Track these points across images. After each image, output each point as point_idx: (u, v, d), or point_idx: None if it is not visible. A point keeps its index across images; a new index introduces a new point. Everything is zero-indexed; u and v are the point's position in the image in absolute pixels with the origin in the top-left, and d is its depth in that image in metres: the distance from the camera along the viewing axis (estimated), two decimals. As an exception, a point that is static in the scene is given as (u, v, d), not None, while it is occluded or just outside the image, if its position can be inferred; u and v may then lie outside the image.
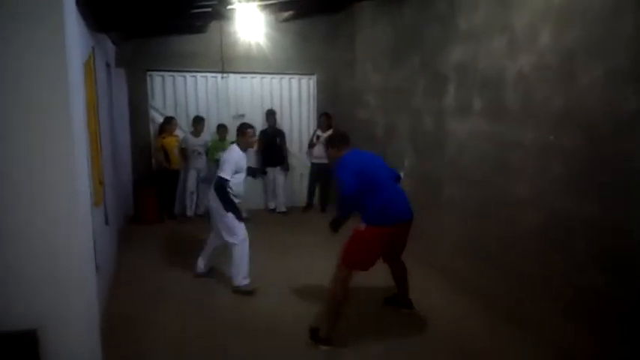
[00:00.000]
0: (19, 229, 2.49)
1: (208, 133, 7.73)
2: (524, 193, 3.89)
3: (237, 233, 4.68)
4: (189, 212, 7.70)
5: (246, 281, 4.74)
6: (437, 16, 5.19)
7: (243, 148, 4.84)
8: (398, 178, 4.18)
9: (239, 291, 4.72)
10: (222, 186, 4.58)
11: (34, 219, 2.51)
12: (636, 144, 2.89)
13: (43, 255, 2.55)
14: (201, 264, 5.12)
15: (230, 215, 4.62)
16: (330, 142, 4.17)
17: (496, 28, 4.19)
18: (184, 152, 7.54)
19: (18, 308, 2.53)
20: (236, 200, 4.72)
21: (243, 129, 4.86)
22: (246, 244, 4.73)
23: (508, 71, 4.05)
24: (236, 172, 4.69)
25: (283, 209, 8.02)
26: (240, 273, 4.72)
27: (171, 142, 7.31)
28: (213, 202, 4.72)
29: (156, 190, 7.45)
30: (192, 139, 7.49)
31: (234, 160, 4.68)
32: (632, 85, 2.91)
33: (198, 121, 7.50)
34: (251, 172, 5.21)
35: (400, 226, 3.85)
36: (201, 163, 7.57)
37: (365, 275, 3.89)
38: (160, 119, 7.66)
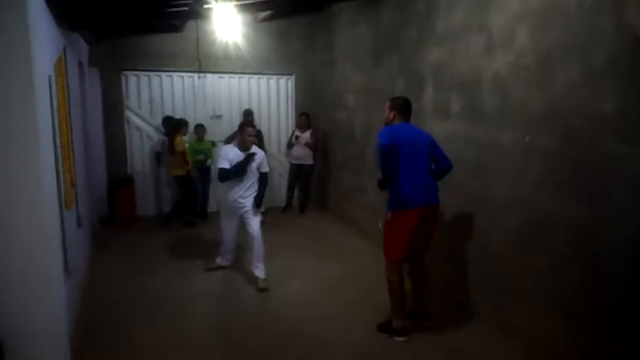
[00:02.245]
0: (-19, 235, 2.40)
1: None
2: (504, 194, 3.89)
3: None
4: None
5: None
6: (414, 16, 5.18)
7: (240, 147, 4.76)
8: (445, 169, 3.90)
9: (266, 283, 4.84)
10: (222, 174, 4.65)
11: (-2, 224, 2.42)
12: (615, 144, 2.91)
13: (9, 261, 2.46)
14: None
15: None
16: (392, 102, 3.90)
17: (473, 29, 4.20)
18: (159, 156, 7.42)
19: (-18, 317, 2.44)
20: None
21: (243, 127, 4.81)
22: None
23: (485, 72, 4.06)
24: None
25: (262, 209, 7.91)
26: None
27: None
28: (243, 199, 4.82)
29: (132, 190, 7.37)
30: (167, 140, 7.31)
31: (226, 154, 4.71)
32: (610, 84, 2.94)
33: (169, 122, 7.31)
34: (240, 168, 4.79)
35: (424, 210, 3.70)
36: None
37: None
38: (134, 119, 7.54)
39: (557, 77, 3.33)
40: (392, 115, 3.86)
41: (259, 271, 4.88)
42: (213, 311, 4.37)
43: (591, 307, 3.12)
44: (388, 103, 3.92)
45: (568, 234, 3.28)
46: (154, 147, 7.55)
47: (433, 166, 3.87)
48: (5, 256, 2.45)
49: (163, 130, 7.34)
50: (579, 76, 3.15)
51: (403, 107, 3.86)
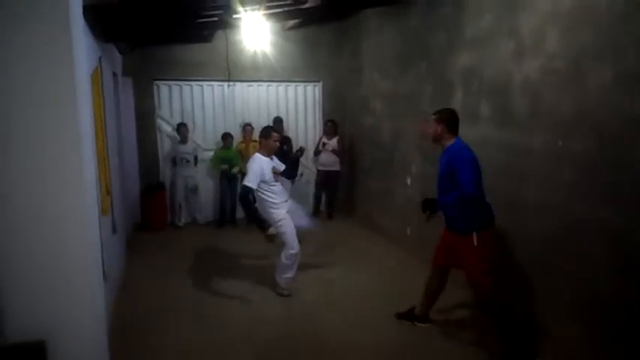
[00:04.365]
0: (27, 241, 2.50)
1: (200, 140, 7.80)
2: (535, 199, 3.85)
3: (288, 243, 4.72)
4: (179, 222, 7.74)
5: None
6: (442, 21, 5.18)
7: (267, 153, 4.78)
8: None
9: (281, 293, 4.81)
10: (243, 194, 4.53)
11: (43, 230, 2.52)
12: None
13: (51, 266, 2.55)
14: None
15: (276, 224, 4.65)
16: (440, 115, 3.69)
17: (502, 33, 4.17)
18: (174, 160, 7.60)
19: (27, 319, 2.53)
20: (281, 210, 4.73)
21: (268, 133, 4.80)
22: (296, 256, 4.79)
23: (515, 76, 4.03)
24: (263, 181, 4.61)
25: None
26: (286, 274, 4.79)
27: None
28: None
29: (164, 197, 7.59)
30: (179, 147, 7.53)
31: (259, 168, 4.61)
32: (643, 87, 2.89)
33: (181, 128, 7.52)
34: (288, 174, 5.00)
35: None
36: (188, 171, 7.58)
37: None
38: (166, 127, 7.73)
39: (589, 80, 3.28)
40: (440, 128, 3.69)
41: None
42: (242, 316, 4.42)
43: (627, 314, 3.05)
44: (435, 117, 3.73)
45: (601, 239, 3.21)
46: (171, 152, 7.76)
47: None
48: (50, 262, 2.54)
49: (178, 137, 7.53)
50: (611, 79, 3.10)
51: (455, 121, 3.70)
